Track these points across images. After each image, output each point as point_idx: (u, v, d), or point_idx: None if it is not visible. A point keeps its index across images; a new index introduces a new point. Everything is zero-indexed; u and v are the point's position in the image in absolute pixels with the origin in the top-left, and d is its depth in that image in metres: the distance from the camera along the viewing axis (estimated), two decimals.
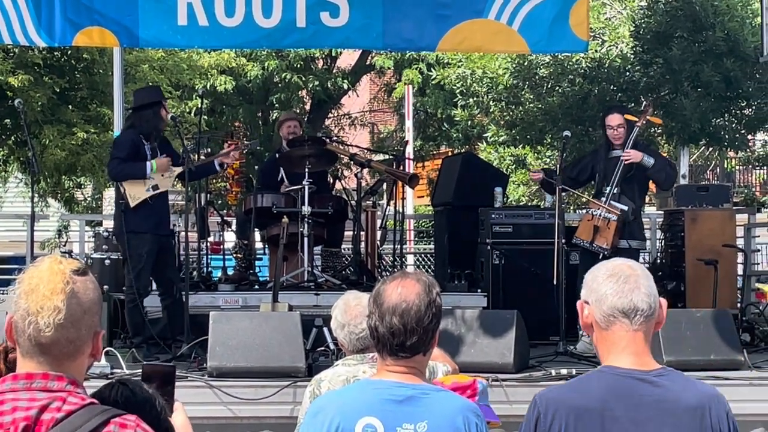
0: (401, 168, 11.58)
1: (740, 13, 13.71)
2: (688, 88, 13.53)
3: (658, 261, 11.51)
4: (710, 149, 21.83)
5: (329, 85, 23.11)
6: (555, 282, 8.93)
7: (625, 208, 9.28)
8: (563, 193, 9.50)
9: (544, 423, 3.11)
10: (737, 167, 27.53)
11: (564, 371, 7.98)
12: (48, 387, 2.60)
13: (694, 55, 13.39)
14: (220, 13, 10.10)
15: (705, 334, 8.13)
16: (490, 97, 15.36)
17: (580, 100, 14.19)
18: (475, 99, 15.78)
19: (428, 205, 20.87)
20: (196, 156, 10.27)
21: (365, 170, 11.70)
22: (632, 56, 14.11)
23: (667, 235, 11.32)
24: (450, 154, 21.59)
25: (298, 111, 23.03)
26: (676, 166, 16.68)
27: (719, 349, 8.10)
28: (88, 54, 16.75)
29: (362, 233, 10.88)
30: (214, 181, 15.68)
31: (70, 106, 17.06)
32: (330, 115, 26.07)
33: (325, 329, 8.03)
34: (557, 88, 14.51)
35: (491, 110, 15.93)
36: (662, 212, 12.37)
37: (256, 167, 13.95)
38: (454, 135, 21.96)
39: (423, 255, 20.27)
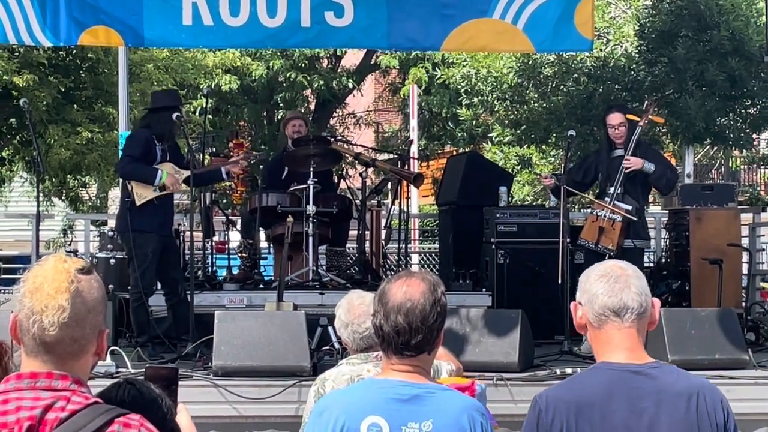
0: (406, 167, 11.59)
1: (745, 12, 13.69)
2: (692, 88, 13.51)
3: (663, 260, 11.50)
4: (715, 148, 21.80)
5: (334, 85, 23.13)
6: (560, 281, 8.92)
7: (629, 208, 9.27)
8: (571, 197, 9.48)
9: (545, 421, 3.17)
10: (742, 166, 27.51)
11: (569, 370, 7.97)
12: (52, 386, 2.60)
13: (699, 54, 13.37)
14: (224, 13, 10.09)
15: (710, 333, 8.12)
16: (494, 96, 15.35)
17: (584, 99, 14.18)
18: (479, 98, 15.77)
19: (433, 205, 20.85)
20: (201, 156, 10.28)
21: (370, 169, 11.72)
22: (637, 55, 14.10)
23: (671, 234, 11.32)
24: (455, 153, 21.58)
25: (302, 110, 23.04)
26: (682, 165, 16.69)
27: (724, 348, 8.09)
28: (93, 53, 16.76)
29: (367, 232, 10.88)
30: None
31: (75, 106, 17.08)
32: (335, 114, 26.08)
33: (330, 328, 8.03)
34: (562, 87, 14.50)
35: (496, 109, 15.92)
36: (667, 211, 12.35)
37: (261, 167, 13.93)
38: (459, 134, 21.95)
39: (427, 254, 20.27)
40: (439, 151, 25.52)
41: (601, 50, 14.20)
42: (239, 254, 11.16)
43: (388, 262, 12.29)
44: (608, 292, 3.21)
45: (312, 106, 24.99)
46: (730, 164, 26.68)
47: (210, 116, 17.83)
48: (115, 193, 22.48)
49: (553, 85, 14.60)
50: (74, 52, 16.72)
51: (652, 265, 11.92)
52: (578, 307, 3.29)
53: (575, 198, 14.74)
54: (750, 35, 13.43)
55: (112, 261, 9.80)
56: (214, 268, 11.11)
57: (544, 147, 17.43)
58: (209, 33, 10.24)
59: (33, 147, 9.89)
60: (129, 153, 9.24)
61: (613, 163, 9.45)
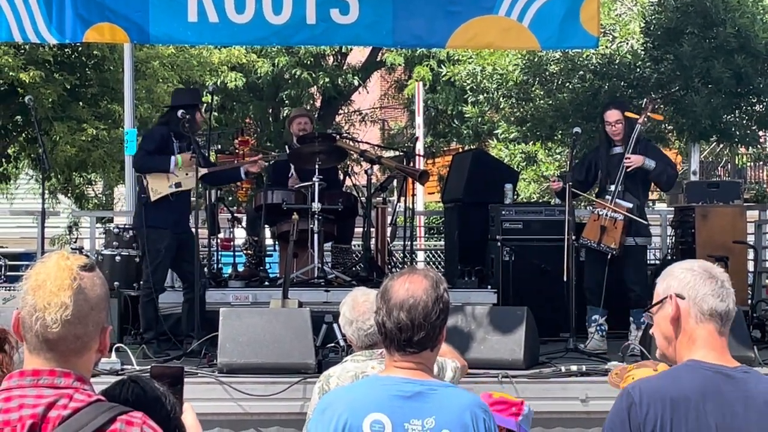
0: (411, 164, 11.59)
1: (751, 9, 13.66)
2: (698, 85, 13.49)
3: (669, 257, 11.48)
4: (721, 145, 21.77)
5: (339, 82, 23.12)
6: (565, 278, 8.91)
7: (630, 205, 9.24)
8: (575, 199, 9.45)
9: (639, 412, 3.16)
10: (748, 163, 27.45)
11: (574, 368, 7.98)
12: (55, 384, 2.60)
13: (705, 51, 13.34)
14: (230, 10, 10.10)
15: None
16: (500, 93, 15.33)
17: (590, 96, 14.16)
18: (485, 95, 15.75)
19: (438, 202, 20.83)
20: (206, 153, 10.28)
21: (375, 167, 11.70)
22: (643, 52, 14.07)
23: (677, 231, 11.30)
24: (460, 150, 21.58)
25: (308, 107, 23.04)
26: (688, 162, 16.66)
27: (729, 345, 7.91)
28: (98, 51, 16.77)
29: (372, 230, 10.88)
30: None
31: (80, 103, 17.09)
32: (340, 111, 26.08)
33: (335, 325, 8.03)
34: (567, 84, 14.48)
35: (501, 107, 15.89)
36: (673, 208, 12.34)
37: (267, 164, 13.93)
38: (465, 131, 21.94)
39: (433, 252, 20.26)
40: (445, 149, 25.51)
41: (606, 47, 14.17)
42: (244, 251, 11.16)
43: (394, 259, 12.30)
44: (719, 295, 3.28)
45: (317, 104, 24.99)
46: (736, 161, 26.62)
47: (215, 113, 17.82)
48: (120, 191, 22.48)
49: (559, 82, 14.58)
50: (80, 49, 16.73)
51: (657, 262, 11.91)
52: (677, 300, 3.29)
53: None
54: (756, 32, 13.40)
55: (118, 258, 9.81)
56: (220, 265, 11.12)
57: (549, 144, 17.41)
58: (214, 30, 10.25)
59: (38, 144, 9.92)
60: (144, 147, 9.31)
61: (612, 160, 9.43)
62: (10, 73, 15.70)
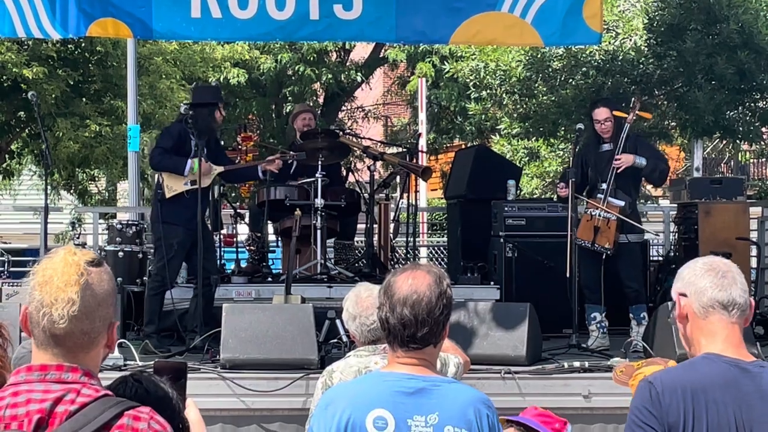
0: (414, 161, 11.59)
1: (754, 6, 13.64)
2: (701, 81, 13.48)
3: (672, 254, 11.48)
4: (724, 142, 21.75)
5: (342, 78, 23.12)
6: (568, 275, 8.91)
7: (623, 203, 9.19)
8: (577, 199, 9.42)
9: (662, 403, 3.22)
10: (751, 160, 27.44)
11: (576, 364, 7.98)
12: (62, 378, 2.61)
13: (708, 47, 13.34)
14: (233, 5, 10.09)
15: None
16: (503, 89, 15.32)
17: (593, 92, 14.14)
18: (488, 92, 15.73)
19: (441, 198, 20.85)
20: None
21: (378, 163, 11.71)
22: (646, 49, 14.06)
23: (680, 227, 11.30)
24: (463, 146, 21.57)
25: (311, 104, 23.04)
26: (691, 158, 16.67)
27: None
28: (101, 47, 16.79)
29: (375, 226, 10.89)
30: None
31: (83, 99, 17.11)
32: (343, 107, 26.07)
33: (338, 321, 8.02)
34: (570, 80, 14.46)
35: (504, 103, 15.88)
36: (676, 205, 12.34)
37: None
38: (468, 128, 21.92)
39: (436, 248, 20.25)
40: (448, 145, 25.50)
41: (609, 43, 14.16)
42: (247, 247, 11.17)
43: (397, 255, 12.30)
44: (717, 285, 3.33)
45: (320, 100, 24.99)
46: (739, 158, 26.61)
47: None
48: (123, 187, 22.51)
49: (562, 78, 14.57)
50: (83, 45, 16.75)
51: (660, 258, 11.91)
52: (681, 299, 3.38)
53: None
54: (759, 28, 13.39)
55: (121, 254, 9.82)
56: (223, 261, 11.12)
57: (552, 140, 17.39)
58: (218, 25, 10.24)
59: (41, 140, 9.92)
60: (161, 145, 9.32)
61: (601, 159, 9.38)
62: (14, 69, 15.71)
